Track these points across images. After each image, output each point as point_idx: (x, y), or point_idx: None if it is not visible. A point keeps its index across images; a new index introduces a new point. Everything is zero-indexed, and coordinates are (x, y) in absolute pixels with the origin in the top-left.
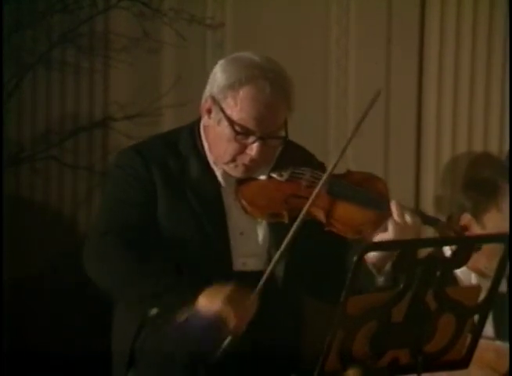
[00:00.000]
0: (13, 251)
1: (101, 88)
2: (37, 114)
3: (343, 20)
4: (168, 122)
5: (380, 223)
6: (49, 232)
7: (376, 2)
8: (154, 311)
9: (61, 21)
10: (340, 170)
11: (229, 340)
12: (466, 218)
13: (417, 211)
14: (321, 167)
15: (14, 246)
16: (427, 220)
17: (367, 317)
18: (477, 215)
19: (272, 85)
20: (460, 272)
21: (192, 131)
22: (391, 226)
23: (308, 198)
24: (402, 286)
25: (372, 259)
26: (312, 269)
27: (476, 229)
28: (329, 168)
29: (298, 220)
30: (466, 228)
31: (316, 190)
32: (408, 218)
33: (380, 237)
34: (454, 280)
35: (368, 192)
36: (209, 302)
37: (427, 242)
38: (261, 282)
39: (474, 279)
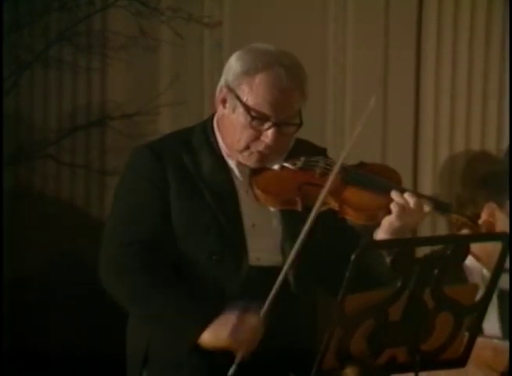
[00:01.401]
0: (11, 250)
1: (98, 87)
2: (35, 113)
3: (340, 18)
4: (166, 121)
5: None
6: (47, 231)
7: None
8: None
9: (59, 19)
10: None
11: (235, 366)
12: (492, 206)
13: (429, 197)
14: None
15: (12, 245)
16: (438, 207)
17: (365, 316)
18: (501, 203)
19: (288, 72)
20: (473, 268)
21: (205, 127)
22: (393, 210)
23: (321, 186)
24: (399, 284)
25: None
26: (325, 264)
27: (500, 216)
28: (341, 155)
29: (314, 209)
30: (478, 216)
31: (331, 178)
32: (411, 200)
33: (386, 221)
34: (463, 276)
35: (381, 178)
36: (214, 340)
37: (424, 241)
38: (268, 302)
39: (486, 273)
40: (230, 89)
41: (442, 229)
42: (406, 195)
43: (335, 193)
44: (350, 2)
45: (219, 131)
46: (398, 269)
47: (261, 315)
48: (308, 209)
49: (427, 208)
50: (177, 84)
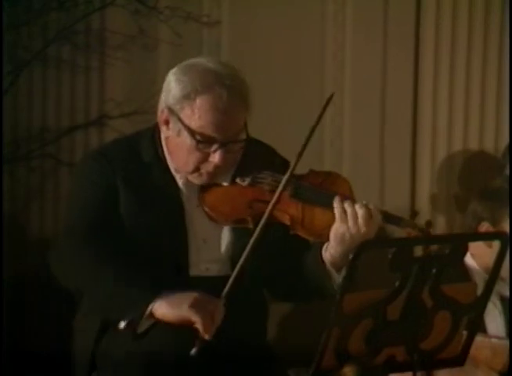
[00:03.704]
0: (10, 250)
1: (97, 86)
2: (33, 112)
3: (339, 16)
4: None
5: None
6: (46, 230)
7: None
8: (122, 324)
9: (57, 18)
10: (304, 169)
11: (197, 348)
12: (484, 227)
13: (380, 210)
14: (285, 165)
15: (11, 245)
16: (389, 219)
17: (363, 315)
18: (495, 223)
19: (229, 91)
20: (475, 268)
21: (153, 137)
22: (337, 219)
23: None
24: (397, 284)
25: (331, 258)
26: (273, 270)
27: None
28: (287, 173)
29: (260, 225)
30: (430, 224)
31: (275, 197)
32: (361, 212)
33: (332, 231)
34: (468, 276)
35: (331, 193)
36: (173, 309)
37: (422, 240)
38: (227, 287)
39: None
40: (172, 111)
41: (441, 227)
42: (356, 206)
43: (284, 209)
44: (349, 0)
45: (167, 148)
46: (396, 268)
47: (222, 297)
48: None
49: (376, 220)
50: None
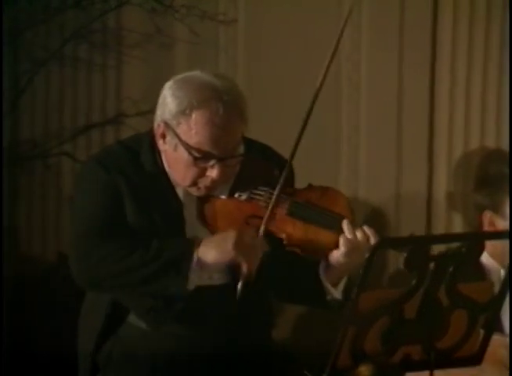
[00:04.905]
0: (27, 246)
1: (114, 84)
2: (50, 110)
3: (355, 16)
4: None
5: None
6: (63, 227)
7: None
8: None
9: (74, 17)
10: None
11: (242, 284)
12: (488, 215)
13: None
14: (283, 164)
15: (28, 242)
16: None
17: (379, 313)
18: (496, 209)
19: (226, 105)
20: (492, 267)
21: (153, 145)
22: (341, 246)
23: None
24: (414, 282)
25: (328, 276)
26: (276, 277)
27: (499, 221)
28: (277, 188)
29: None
30: None
31: (268, 212)
32: (359, 235)
33: (332, 256)
34: (483, 274)
35: (327, 212)
36: (219, 252)
37: (438, 238)
38: (264, 222)
39: (503, 274)
40: (168, 126)
41: (458, 226)
42: (358, 234)
43: (281, 226)
44: (365, 0)
45: (165, 159)
46: (412, 266)
47: (260, 233)
48: None
49: (373, 241)
50: None
